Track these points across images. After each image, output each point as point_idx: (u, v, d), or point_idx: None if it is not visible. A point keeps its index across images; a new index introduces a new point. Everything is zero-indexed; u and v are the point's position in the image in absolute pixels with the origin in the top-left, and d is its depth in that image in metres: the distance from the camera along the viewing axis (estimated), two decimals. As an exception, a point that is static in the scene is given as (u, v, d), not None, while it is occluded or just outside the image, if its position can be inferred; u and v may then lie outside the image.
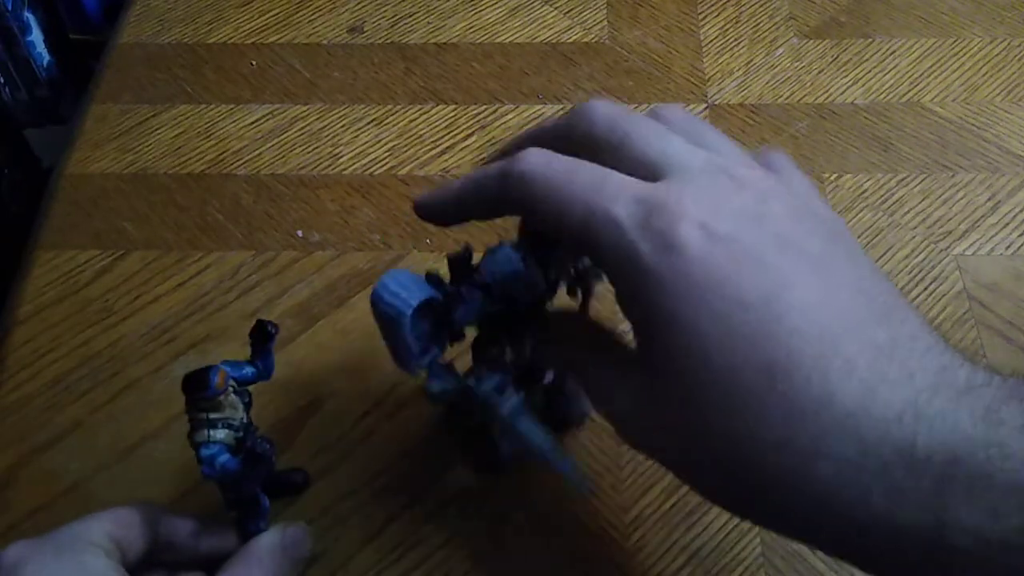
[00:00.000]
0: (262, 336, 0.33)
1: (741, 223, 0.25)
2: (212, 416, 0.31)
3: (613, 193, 0.26)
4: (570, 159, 0.27)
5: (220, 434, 0.31)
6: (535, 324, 0.33)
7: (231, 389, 0.32)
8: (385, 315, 0.31)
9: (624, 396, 0.28)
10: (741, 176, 0.27)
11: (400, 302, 0.31)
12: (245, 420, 0.32)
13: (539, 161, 0.27)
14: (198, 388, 0.31)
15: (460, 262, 0.32)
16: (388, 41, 0.56)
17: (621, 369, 0.28)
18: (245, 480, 0.32)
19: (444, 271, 0.33)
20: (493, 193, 0.29)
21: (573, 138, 0.29)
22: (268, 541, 0.33)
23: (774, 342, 0.23)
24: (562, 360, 0.33)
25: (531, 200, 0.27)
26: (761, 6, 0.57)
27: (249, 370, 0.33)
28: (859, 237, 0.46)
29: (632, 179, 0.26)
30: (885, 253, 0.45)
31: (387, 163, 0.50)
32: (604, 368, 0.29)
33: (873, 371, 0.23)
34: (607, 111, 0.28)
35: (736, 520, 0.37)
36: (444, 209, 0.32)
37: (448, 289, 0.32)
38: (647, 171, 0.27)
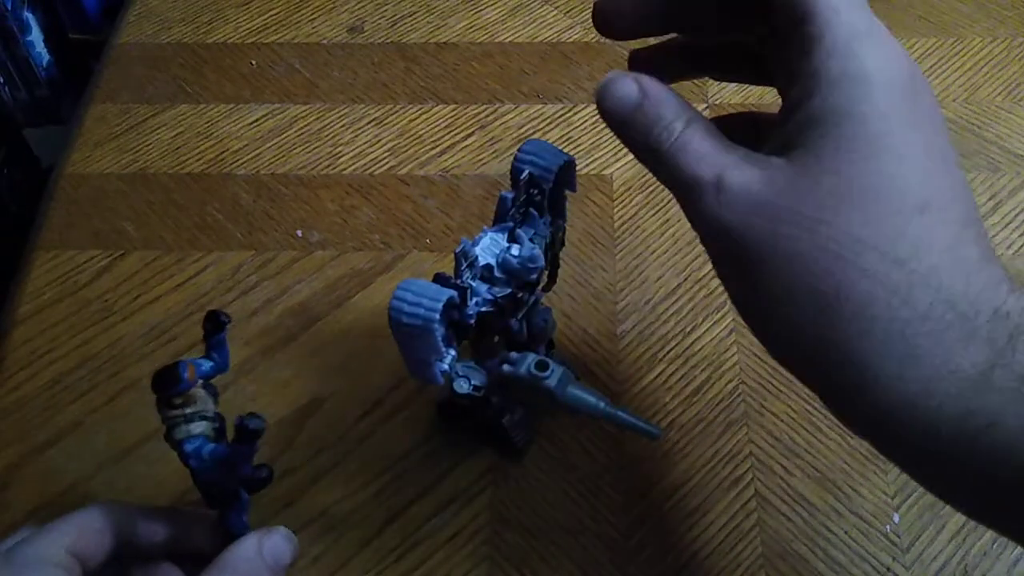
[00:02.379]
0: (215, 326, 0.33)
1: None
2: (188, 411, 0.31)
3: None
4: None
5: (198, 427, 0.31)
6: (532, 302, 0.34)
7: (200, 381, 0.31)
8: (411, 328, 0.31)
9: (732, 172, 0.25)
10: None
11: (424, 311, 0.30)
12: (217, 411, 0.32)
13: None
14: (171, 384, 0.31)
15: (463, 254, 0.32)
16: (388, 41, 0.56)
17: (738, 151, 0.26)
18: (240, 460, 0.31)
19: (450, 269, 0.33)
20: None
21: None
22: (245, 549, 0.32)
23: (942, 179, 0.24)
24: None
25: None
26: (761, 6, 0.57)
27: (207, 364, 0.33)
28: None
29: None
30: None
31: (387, 163, 0.50)
32: (716, 145, 0.26)
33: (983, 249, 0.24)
34: None
35: (737, 522, 0.37)
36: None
37: (459, 284, 0.32)
38: None
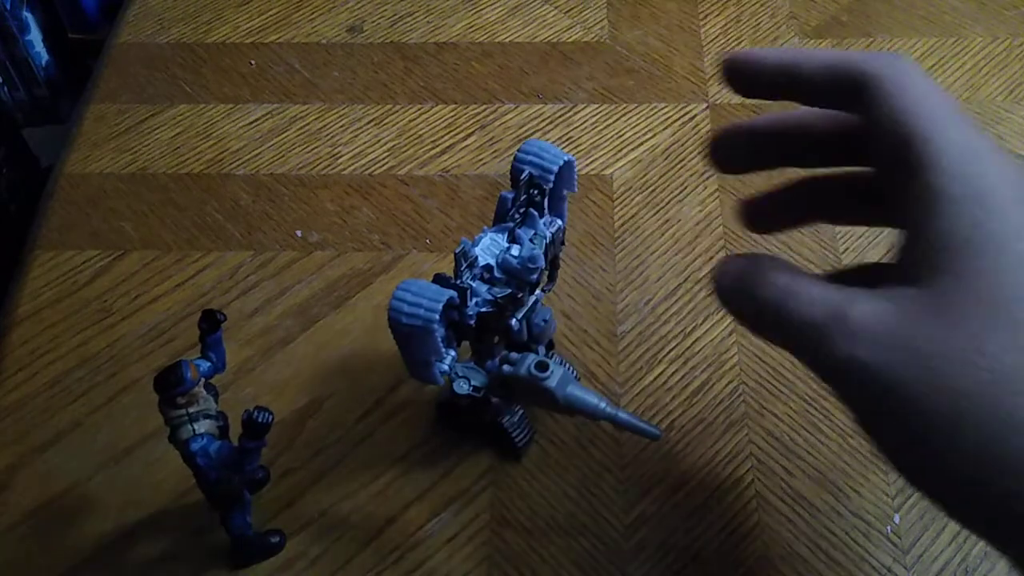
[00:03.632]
0: (212, 325, 0.33)
1: None
2: (191, 410, 0.31)
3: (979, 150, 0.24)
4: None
5: (203, 426, 0.31)
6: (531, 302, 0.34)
7: (202, 381, 0.31)
8: (411, 328, 0.31)
9: (861, 307, 0.24)
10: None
11: (424, 311, 0.30)
12: (219, 409, 0.32)
13: (918, 71, 0.26)
14: (174, 384, 0.30)
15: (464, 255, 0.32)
16: (387, 41, 0.56)
17: (853, 288, 0.25)
18: (249, 456, 0.31)
19: (449, 270, 0.33)
20: (856, 73, 0.26)
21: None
22: None
23: None
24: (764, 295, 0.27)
25: (890, 108, 0.25)
26: (762, 5, 0.57)
27: (205, 364, 0.33)
28: (860, 237, 0.46)
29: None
30: (887, 253, 0.45)
31: (386, 163, 0.50)
32: (827, 286, 0.25)
33: None
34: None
35: (738, 523, 0.37)
36: (764, 67, 0.28)
37: (459, 284, 0.32)
38: None
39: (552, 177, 0.34)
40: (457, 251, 0.32)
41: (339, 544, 0.37)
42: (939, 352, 0.22)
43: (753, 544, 0.36)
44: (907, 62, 0.26)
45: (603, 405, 0.32)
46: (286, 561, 0.36)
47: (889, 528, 0.37)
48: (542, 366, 0.32)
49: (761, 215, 0.32)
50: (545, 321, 0.37)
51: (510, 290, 0.33)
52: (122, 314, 0.44)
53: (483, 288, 0.33)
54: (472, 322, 0.32)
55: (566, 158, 0.34)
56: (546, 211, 0.35)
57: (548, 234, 0.34)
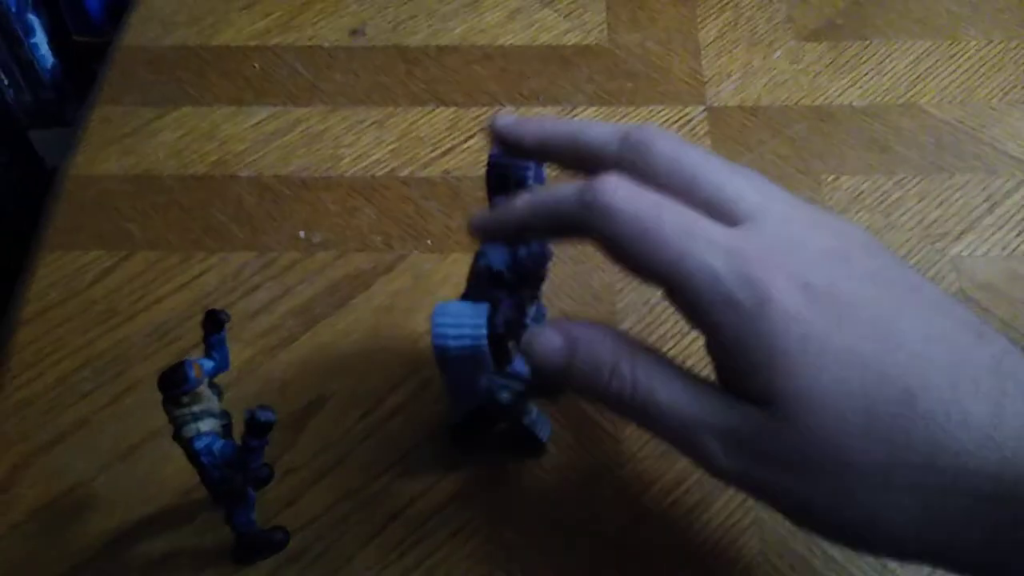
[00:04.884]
0: (215, 325, 0.33)
1: (834, 267, 0.26)
2: (195, 409, 0.31)
3: (705, 241, 0.26)
4: (655, 196, 0.27)
5: (207, 425, 0.31)
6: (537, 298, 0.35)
7: (206, 380, 0.32)
8: (460, 352, 0.31)
9: (717, 426, 0.27)
10: (806, 213, 0.28)
11: (470, 331, 0.31)
12: (222, 408, 0.32)
13: (625, 196, 0.27)
14: (178, 383, 0.31)
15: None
16: (389, 44, 0.56)
17: (708, 396, 0.27)
18: (252, 455, 0.32)
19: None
20: (569, 221, 0.28)
21: (626, 165, 0.28)
22: None
23: (904, 370, 0.25)
24: (616, 390, 0.29)
25: (616, 236, 0.27)
26: (759, 9, 0.58)
27: (208, 364, 0.33)
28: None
29: (718, 226, 0.27)
30: (882, 254, 0.45)
31: (389, 165, 0.50)
32: (684, 391, 0.28)
33: (993, 387, 0.24)
34: (667, 144, 0.28)
35: (735, 519, 0.37)
36: (504, 231, 0.31)
37: (486, 295, 0.32)
38: (721, 214, 0.27)
39: (531, 173, 0.34)
40: (481, 264, 0.32)
41: (341, 542, 0.37)
42: (785, 468, 0.26)
43: (752, 542, 0.37)
44: (608, 202, 0.27)
45: None
46: (289, 558, 0.37)
47: (884, 526, 0.37)
48: None
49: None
50: (543, 315, 0.37)
51: (527, 290, 0.33)
52: (127, 314, 0.44)
53: (503, 294, 0.33)
54: (502, 330, 0.33)
55: None
56: None
57: None
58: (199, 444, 0.31)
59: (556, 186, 0.30)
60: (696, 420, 0.27)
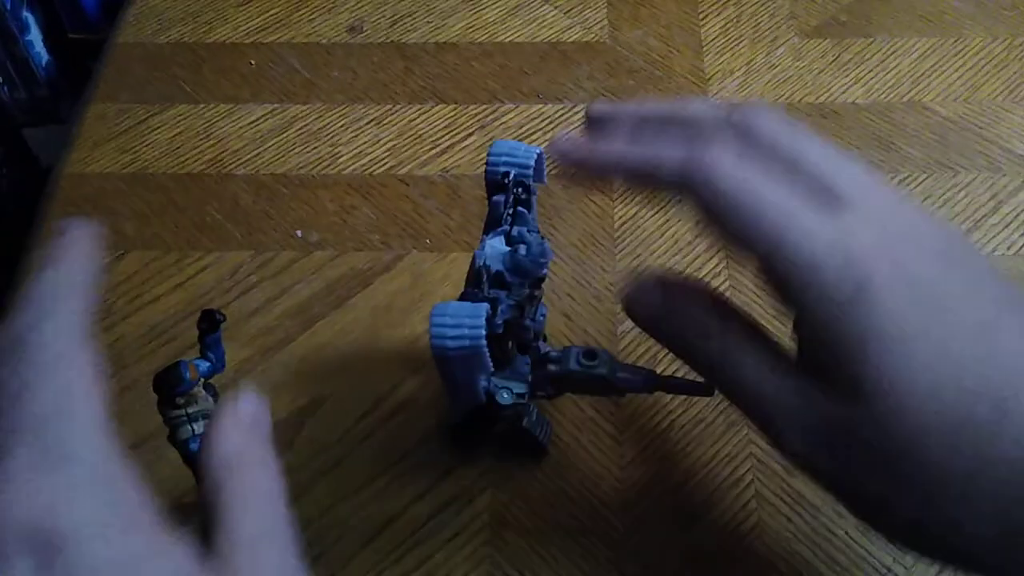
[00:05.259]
0: (211, 325, 0.33)
1: (937, 264, 0.26)
2: (190, 411, 0.31)
3: (806, 225, 0.25)
4: (758, 175, 0.26)
5: (202, 426, 0.31)
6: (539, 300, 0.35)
7: (200, 381, 0.32)
8: (459, 352, 0.31)
9: (798, 411, 0.26)
10: (909, 206, 0.27)
11: (469, 331, 0.30)
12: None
13: (729, 168, 0.26)
14: (173, 384, 0.31)
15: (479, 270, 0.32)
16: (388, 40, 0.56)
17: (794, 379, 0.26)
18: None
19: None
20: (667, 179, 0.27)
21: (729, 141, 0.28)
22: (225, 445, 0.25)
23: (1000, 379, 0.24)
24: (705, 355, 0.29)
25: (715, 206, 0.26)
26: (762, 5, 0.57)
27: (204, 364, 0.33)
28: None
29: (820, 212, 0.26)
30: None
31: (386, 163, 0.50)
32: (772, 370, 0.27)
33: None
34: (774, 123, 0.28)
35: (736, 522, 0.37)
36: (592, 165, 0.30)
37: (485, 295, 0.32)
38: (824, 199, 0.26)
39: (531, 172, 0.34)
40: (479, 264, 0.32)
41: (339, 544, 0.37)
42: (862, 463, 0.25)
43: (753, 544, 0.36)
44: (711, 171, 0.26)
45: (652, 377, 0.34)
46: (286, 561, 0.36)
47: (889, 528, 0.37)
48: (590, 355, 0.34)
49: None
50: (543, 316, 0.37)
51: (526, 290, 0.33)
52: (122, 314, 0.44)
53: (503, 294, 0.33)
54: (501, 330, 0.32)
55: (537, 151, 0.34)
56: (534, 206, 0.35)
57: (538, 228, 0.35)
58: (194, 446, 0.31)
59: (659, 141, 0.28)
60: (777, 402, 0.26)
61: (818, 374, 0.26)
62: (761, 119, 0.28)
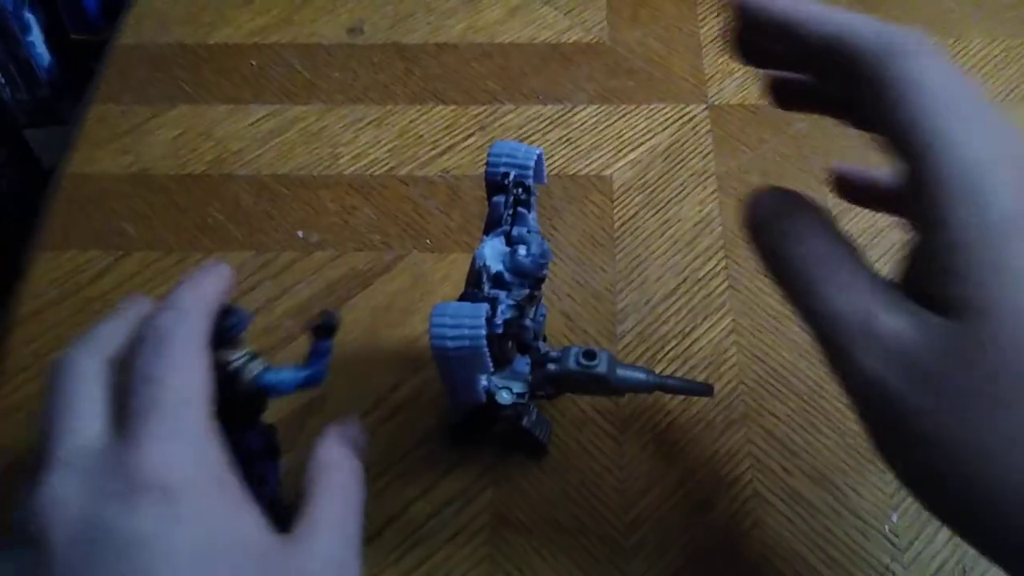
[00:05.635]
0: (327, 329, 0.31)
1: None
2: (247, 350, 0.31)
3: (980, 131, 0.23)
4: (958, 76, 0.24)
5: (260, 362, 0.31)
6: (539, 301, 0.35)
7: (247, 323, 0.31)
8: (459, 352, 0.31)
9: (886, 328, 0.23)
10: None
11: (469, 331, 0.31)
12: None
13: (935, 52, 0.24)
14: (233, 328, 0.30)
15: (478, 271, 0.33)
16: (388, 41, 0.56)
17: (887, 292, 0.23)
18: (321, 356, 0.31)
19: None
20: (850, 50, 0.25)
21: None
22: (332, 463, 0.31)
23: None
24: (795, 258, 0.25)
25: (907, 87, 0.23)
26: (761, 6, 0.57)
27: (298, 374, 0.31)
28: (859, 237, 0.46)
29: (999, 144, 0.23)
30: (886, 253, 0.45)
31: (387, 163, 0.50)
32: (862, 277, 0.24)
33: None
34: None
35: (736, 521, 0.37)
36: (770, 20, 0.26)
37: (485, 295, 0.32)
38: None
39: (531, 172, 0.34)
40: (479, 264, 0.32)
41: (340, 543, 0.37)
42: (957, 397, 0.22)
43: (752, 543, 0.36)
44: (920, 48, 0.24)
45: (651, 377, 0.34)
46: (287, 560, 0.36)
47: (887, 527, 0.37)
48: (590, 355, 0.34)
49: (788, 92, 0.30)
50: (543, 315, 0.37)
51: (526, 290, 0.33)
52: (124, 314, 0.44)
53: (503, 294, 0.33)
54: (500, 330, 0.32)
55: (537, 152, 0.34)
56: (533, 206, 0.35)
57: (539, 228, 0.35)
58: (272, 377, 0.31)
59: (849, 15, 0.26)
60: (863, 313, 0.23)
61: (925, 290, 0.23)
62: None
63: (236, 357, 0.31)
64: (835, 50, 0.25)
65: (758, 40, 0.28)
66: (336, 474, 0.30)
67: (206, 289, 0.30)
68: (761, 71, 0.30)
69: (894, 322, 0.23)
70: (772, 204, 0.26)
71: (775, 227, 0.26)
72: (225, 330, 0.30)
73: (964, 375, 0.22)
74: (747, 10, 0.27)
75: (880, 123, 0.24)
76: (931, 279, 0.23)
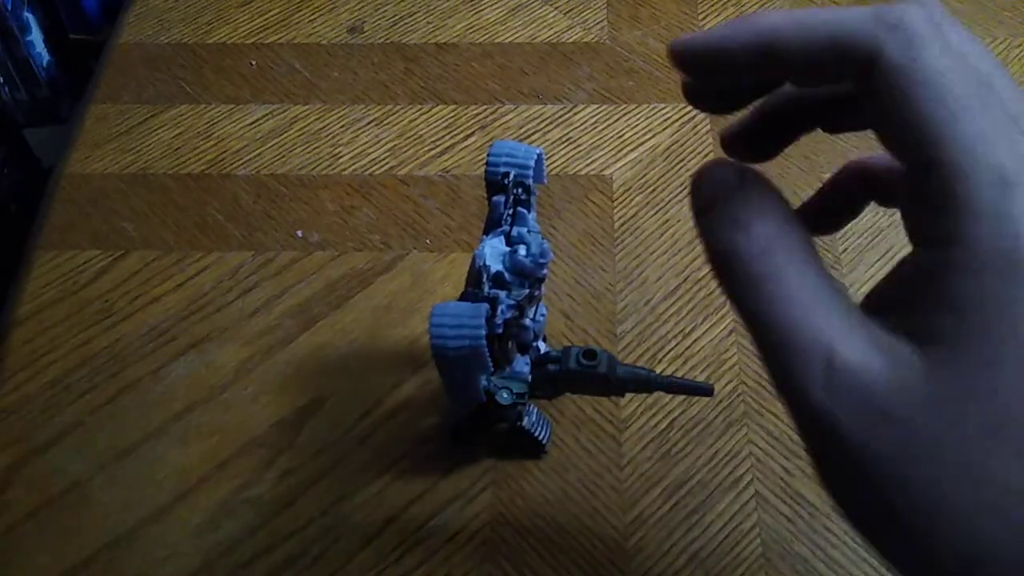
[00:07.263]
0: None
1: None
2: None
3: (1005, 120, 0.19)
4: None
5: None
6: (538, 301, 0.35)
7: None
8: (459, 352, 0.31)
9: (849, 352, 0.19)
10: None
11: (469, 331, 0.31)
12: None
13: (930, 23, 0.19)
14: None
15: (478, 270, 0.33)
16: (388, 41, 0.56)
17: (853, 313, 0.20)
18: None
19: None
20: (847, 44, 0.20)
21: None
22: None
23: None
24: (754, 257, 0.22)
25: (913, 66, 0.19)
26: (761, 6, 0.57)
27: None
28: (859, 237, 0.46)
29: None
30: (886, 253, 0.45)
31: (387, 163, 0.50)
32: (823, 288, 0.20)
33: None
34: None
35: (736, 521, 0.37)
36: (726, 53, 0.21)
37: (486, 296, 0.32)
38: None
39: (531, 172, 0.34)
40: (479, 264, 0.32)
41: (340, 543, 0.37)
42: (929, 446, 0.18)
43: (752, 543, 0.36)
44: (920, 27, 0.19)
45: (651, 377, 0.34)
46: (287, 560, 0.36)
47: (888, 528, 0.37)
48: (590, 355, 0.34)
49: (750, 138, 0.26)
50: (543, 316, 0.37)
51: (526, 290, 0.33)
52: (123, 314, 0.44)
53: (503, 294, 0.33)
54: (500, 330, 0.32)
55: (537, 151, 0.34)
56: (533, 206, 0.35)
57: (538, 228, 0.35)
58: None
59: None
60: (817, 332, 0.19)
61: (909, 323, 0.19)
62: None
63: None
64: (828, 51, 0.21)
65: (726, 78, 0.23)
66: None
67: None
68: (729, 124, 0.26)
69: (855, 349, 0.19)
70: (720, 182, 0.23)
71: (721, 212, 0.23)
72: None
73: (949, 426, 0.18)
74: (683, 56, 0.22)
75: (881, 124, 0.21)
76: (921, 303, 0.19)
